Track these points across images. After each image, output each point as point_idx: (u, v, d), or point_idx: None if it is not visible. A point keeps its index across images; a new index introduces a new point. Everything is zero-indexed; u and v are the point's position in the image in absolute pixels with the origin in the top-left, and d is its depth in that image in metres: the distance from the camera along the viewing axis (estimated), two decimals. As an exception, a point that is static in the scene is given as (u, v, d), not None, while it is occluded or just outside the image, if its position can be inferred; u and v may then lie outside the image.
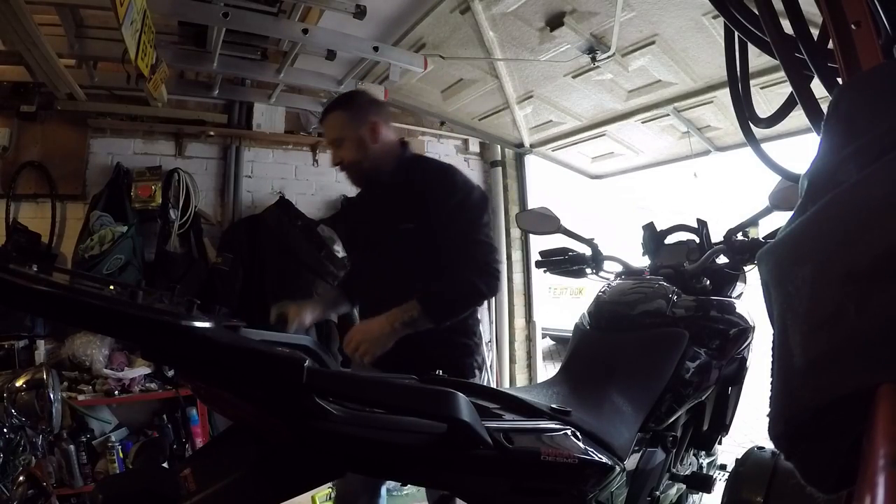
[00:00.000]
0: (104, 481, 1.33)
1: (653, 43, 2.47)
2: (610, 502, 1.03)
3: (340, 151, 1.55)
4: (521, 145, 3.82)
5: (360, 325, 1.50)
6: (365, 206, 1.66)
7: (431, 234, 1.46)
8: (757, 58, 0.83)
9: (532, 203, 3.94)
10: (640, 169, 3.95)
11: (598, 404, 1.14)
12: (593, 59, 2.59)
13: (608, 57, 2.56)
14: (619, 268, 1.76)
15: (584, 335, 1.47)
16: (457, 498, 0.94)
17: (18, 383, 1.30)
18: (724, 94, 2.34)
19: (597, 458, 0.93)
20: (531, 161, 4.02)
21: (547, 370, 4.44)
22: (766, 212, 1.44)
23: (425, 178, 1.53)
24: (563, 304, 6.26)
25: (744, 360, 1.48)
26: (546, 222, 1.76)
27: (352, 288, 1.78)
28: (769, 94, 2.30)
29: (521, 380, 3.96)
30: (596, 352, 1.40)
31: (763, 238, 1.49)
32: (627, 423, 1.14)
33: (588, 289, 1.91)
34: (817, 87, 0.62)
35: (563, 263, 1.82)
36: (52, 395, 1.32)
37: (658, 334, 1.34)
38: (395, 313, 1.38)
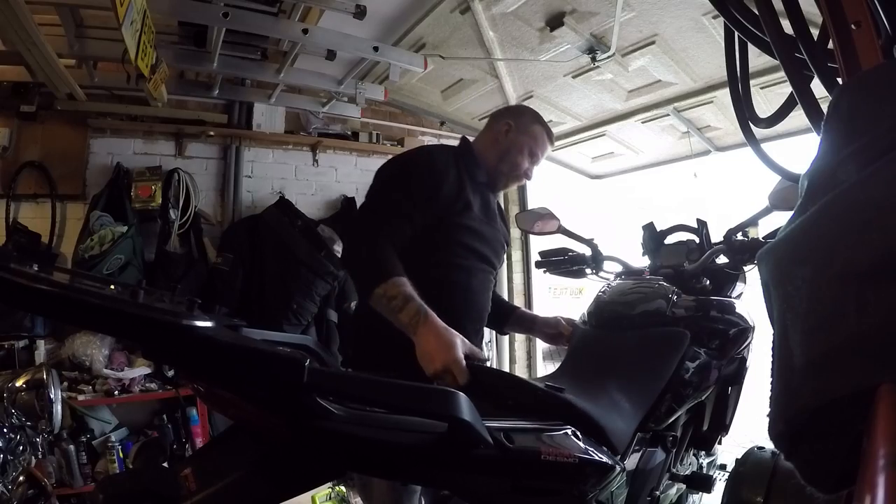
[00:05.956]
0: (104, 481, 1.32)
1: (653, 43, 2.47)
2: (610, 502, 1.03)
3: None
4: (521, 145, 3.81)
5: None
6: (491, 217, 1.54)
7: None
8: (757, 58, 0.83)
9: (532, 203, 3.94)
10: (640, 169, 3.94)
11: (596, 394, 1.13)
12: (593, 59, 2.59)
13: (608, 57, 2.56)
14: (619, 268, 1.76)
15: (584, 334, 1.47)
16: (456, 497, 0.94)
17: (18, 383, 1.30)
18: (724, 94, 2.33)
19: (597, 458, 0.93)
20: (531, 161, 4.01)
21: (546, 370, 4.42)
22: (766, 212, 1.44)
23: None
24: (563, 304, 6.25)
25: (744, 360, 1.48)
26: (546, 222, 1.76)
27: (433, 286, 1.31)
28: (769, 94, 2.30)
29: (520, 380, 3.95)
30: (595, 349, 1.40)
31: (763, 238, 1.49)
32: (625, 417, 1.14)
33: (588, 289, 1.91)
34: (817, 87, 0.62)
35: (563, 264, 1.82)
36: (52, 395, 1.32)
37: (659, 333, 1.34)
38: None
